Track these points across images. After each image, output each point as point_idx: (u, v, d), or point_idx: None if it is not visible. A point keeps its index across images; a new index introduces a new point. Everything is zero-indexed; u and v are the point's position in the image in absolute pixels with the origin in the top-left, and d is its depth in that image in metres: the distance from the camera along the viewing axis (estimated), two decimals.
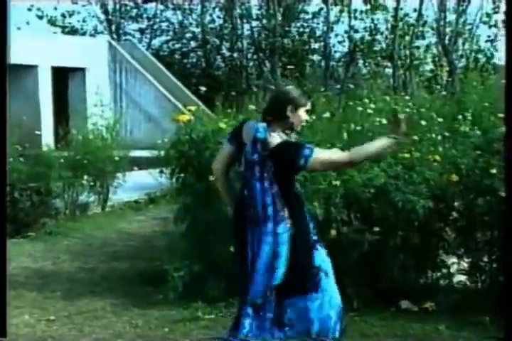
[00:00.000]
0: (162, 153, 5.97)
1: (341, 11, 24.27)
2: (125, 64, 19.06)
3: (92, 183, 9.56)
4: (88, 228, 8.61)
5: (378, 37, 23.98)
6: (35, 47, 15.82)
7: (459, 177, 5.02)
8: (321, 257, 3.93)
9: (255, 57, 25.32)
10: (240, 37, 25.13)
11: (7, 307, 3.89)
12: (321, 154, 3.73)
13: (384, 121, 6.30)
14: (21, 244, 7.61)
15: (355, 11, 23.88)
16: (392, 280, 5.16)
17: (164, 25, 27.03)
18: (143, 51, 20.63)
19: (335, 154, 3.82)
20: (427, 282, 5.28)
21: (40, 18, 26.24)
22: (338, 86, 17.77)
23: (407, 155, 5.27)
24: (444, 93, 10.85)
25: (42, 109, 16.58)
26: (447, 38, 22.93)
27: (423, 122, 6.76)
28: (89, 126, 10.32)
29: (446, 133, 6.22)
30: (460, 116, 7.02)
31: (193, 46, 26.53)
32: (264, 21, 24.76)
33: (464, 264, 5.22)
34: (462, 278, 5.23)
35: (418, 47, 24.08)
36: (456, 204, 5.11)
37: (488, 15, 23.83)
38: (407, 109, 7.69)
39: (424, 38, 24.22)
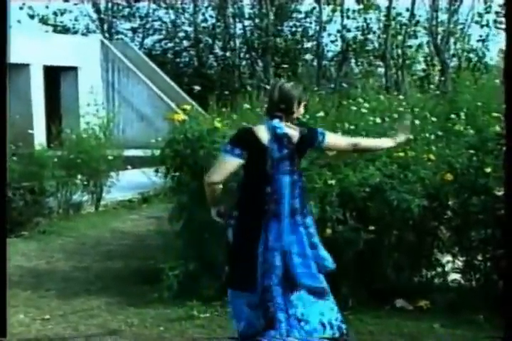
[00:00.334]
0: (156, 152, 5.97)
1: (334, 11, 24.33)
2: (118, 63, 19.04)
3: (85, 182, 9.55)
4: (82, 227, 8.60)
5: (371, 36, 24.06)
6: (27, 46, 15.76)
7: (453, 176, 5.03)
8: None
9: (248, 56, 25.35)
10: (232, 36, 25.16)
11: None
12: (331, 134, 4.10)
13: (378, 120, 6.32)
14: (15, 243, 7.59)
15: (348, 10, 23.95)
16: (387, 278, 5.17)
17: (157, 24, 27.04)
18: (135, 50, 20.61)
19: (341, 137, 4.26)
20: (422, 280, 5.30)
21: (32, 16, 26.16)
22: (332, 85, 17.77)
23: (402, 155, 5.28)
24: (437, 92, 10.87)
25: (34, 108, 16.55)
26: (439, 37, 23.01)
27: (417, 122, 6.78)
28: (82, 125, 10.29)
29: (440, 133, 6.24)
30: (453, 116, 7.05)
31: (186, 45, 26.53)
32: (257, 20, 24.79)
33: (459, 263, 5.24)
34: (457, 276, 5.25)
35: (410, 47, 24.16)
36: (450, 203, 5.13)
37: (479, 15, 23.91)
38: (401, 109, 7.71)
39: (416, 37, 24.31)
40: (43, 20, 26.53)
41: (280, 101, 3.87)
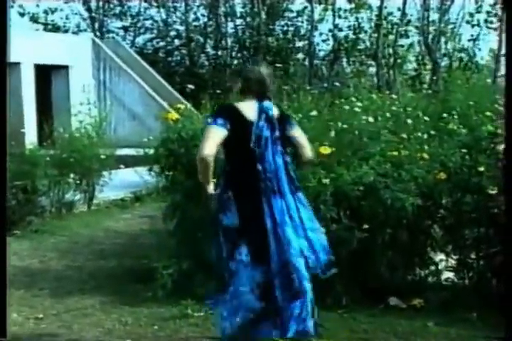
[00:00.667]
0: (149, 151, 5.97)
1: (325, 10, 24.37)
2: (109, 62, 18.99)
3: (78, 181, 9.51)
4: (74, 226, 8.58)
5: (362, 35, 24.11)
6: (17, 45, 15.63)
7: (447, 175, 5.06)
8: None
9: (240, 55, 25.35)
10: (224, 35, 25.16)
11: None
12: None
13: (371, 119, 6.34)
14: (8, 242, 7.55)
15: (340, 9, 24.00)
16: (380, 277, 5.19)
17: (148, 23, 26.98)
18: (127, 49, 20.55)
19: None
20: (416, 279, 5.32)
21: (22, 15, 26.06)
22: (325, 84, 17.81)
23: (395, 154, 5.30)
24: (429, 92, 10.91)
25: (25, 106, 16.46)
26: (430, 36, 23.08)
27: (409, 121, 6.81)
28: (75, 124, 10.27)
29: (433, 132, 6.27)
30: (446, 115, 7.07)
31: (177, 44, 26.47)
32: (249, 19, 24.80)
33: (452, 261, 5.27)
34: (450, 275, 5.28)
35: (402, 46, 24.23)
36: (444, 201, 5.15)
37: (470, 14, 24.00)
38: (394, 108, 7.73)
39: (407, 36, 24.38)
40: (34, 19, 26.43)
41: (271, 82, 4.04)
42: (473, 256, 5.20)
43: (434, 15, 23.62)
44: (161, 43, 26.62)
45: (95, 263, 6.68)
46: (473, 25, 24.08)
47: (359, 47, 24.32)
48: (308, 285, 3.92)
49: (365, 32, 24.30)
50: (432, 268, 5.30)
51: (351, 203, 5.14)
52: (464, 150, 5.30)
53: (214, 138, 3.84)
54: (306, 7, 24.64)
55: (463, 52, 24.58)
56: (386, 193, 4.97)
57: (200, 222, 5.33)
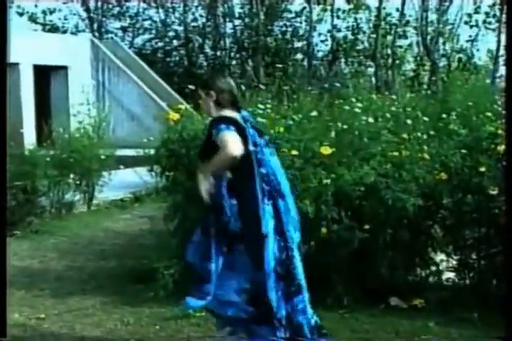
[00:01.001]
0: (149, 151, 5.97)
1: (324, 10, 24.41)
2: (108, 62, 19.00)
3: (77, 182, 9.52)
4: (74, 226, 8.58)
5: (361, 36, 24.15)
6: (16, 45, 15.63)
7: (448, 175, 5.06)
8: None
9: (238, 55, 25.37)
10: (222, 35, 25.17)
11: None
12: None
13: (371, 120, 6.35)
14: (8, 242, 7.55)
15: (338, 10, 24.04)
16: (381, 277, 5.19)
17: (147, 23, 27.02)
18: (125, 49, 20.57)
19: None
20: (416, 279, 5.32)
21: (21, 15, 26.07)
22: (326, 85, 17.81)
23: (396, 154, 5.31)
24: (428, 92, 10.94)
25: (24, 107, 16.46)
26: (429, 37, 23.11)
27: (409, 121, 6.82)
28: (74, 124, 10.27)
29: (432, 132, 6.28)
30: (445, 115, 7.09)
31: (176, 45, 26.50)
32: (247, 20, 24.81)
33: (453, 261, 5.27)
34: (451, 275, 5.28)
35: (400, 47, 24.27)
36: (445, 202, 5.15)
37: (469, 15, 24.03)
38: (394, 108, 7.75)
39: (406, 37, 24.41)
40: (32, 19, 26.44)
41: (236, 93, 4.12)
42: (474, 256, 5.21)
43: (432, 16, 23.68)
44: (160, 44, 26.64)
45: (96, 264, 6.68)
46: (471, 26, 24.13)
47: (357, 47, 24.36)
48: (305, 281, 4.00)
49: (364, 32, 24.35)
50: (433, 268, 5.30)
51: (352, 203, 5.15)
52: (464, 151, 5.31)
53: (238, 140, 3.84)
54: (304, 8, 24.68)
55: (461, 53, 24.62)
56: (387, 193, 4.98)
57: None
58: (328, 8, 24.11)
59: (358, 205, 5.14)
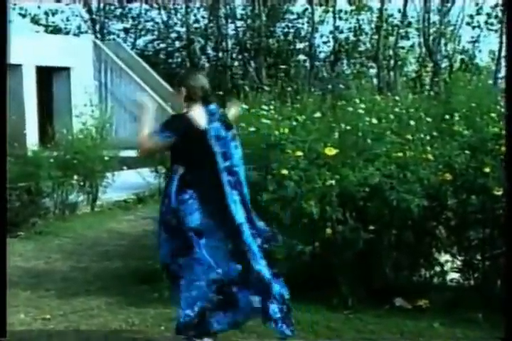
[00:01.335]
0: None
1: (326, 12, 24.42)
2: (110, 63, 19.03)
3: (81, 183, 9.54)
4: (78, 227, 8.60)
5: (363, 37, 24.17)
6: (19, 46, 15.67)
7: (452, 176, 5.07)
8: None
9: (240, 57, 25.39)
10: (224, 37, 25.19)
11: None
12: None
13: (374, 121, 6.37)
14: (12, 243, 7.55)
15: (340, 11, 24.05)
16: (386, 278, 5.20)
17: (149, 24, 27.07)
18: (128, 51, 20.59)
19: None
20: (421, 280, 5.32)
21: (23, 16, 26.12)
22: (329, 86, 17.83)
23: (400, 155, 5.32)
24: (431, 93, 10.95)
25: (26, 108, 16.49)
26: (431, 38, 23.11)
27: (412, 122, 6.84)
28: (78, 125, 10.28)
29: (435, 133, 6.30)
30: (448, 116, 7.10)
31: (178, 46, 26.55)
32: (249, 21, 24.83)
33: (458, 262, 5.27)
34: (455, 275, 5.28)
35: (402, 48, 24.28)
36: (449, 202, 5.15)
37: (471, 16, 24.05)
38: (397, 109, 7.77)
39: (408, 38, 24.42)
40: (35, 20, 26.48)
41: (208, 88, 4.24)
42: (478, 257, 5.21)
43: (434, 17, 23.68)
44: (162, 45, 26.69)
45: (100, 265, 6.69)
46: (473, 27, 24.14)
47: (359, 48, 24.38)
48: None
49: (366, 34, 24.36)
50: (438, 269, 5.30)
51: (357, 204, 5.15)
52: (468, 152, 5.32)
53: (156, 145, 4.22)
54: (306, 9, 24.70)
55: (463, 54, 24.64)
56: (392, 194, 4.98)
57: None
58: (330, 9, 24.13)
59: (363, 206, 5.14)
